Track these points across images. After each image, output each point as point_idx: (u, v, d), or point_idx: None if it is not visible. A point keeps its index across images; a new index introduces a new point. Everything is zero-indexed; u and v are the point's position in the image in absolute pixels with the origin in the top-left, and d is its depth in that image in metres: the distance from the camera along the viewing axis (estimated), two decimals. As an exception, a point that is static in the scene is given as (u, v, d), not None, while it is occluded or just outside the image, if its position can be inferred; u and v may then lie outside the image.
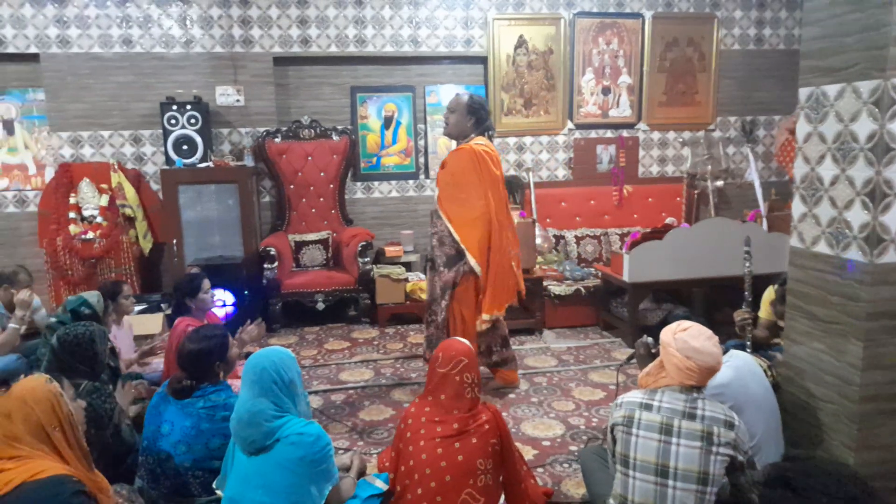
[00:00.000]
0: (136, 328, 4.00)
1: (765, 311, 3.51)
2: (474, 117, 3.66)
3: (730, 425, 1.95)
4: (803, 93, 2.47)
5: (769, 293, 3.51)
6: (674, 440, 1.96)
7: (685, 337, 2.01)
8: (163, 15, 5.36)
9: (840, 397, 2.35)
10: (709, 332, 2.04)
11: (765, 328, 3.50)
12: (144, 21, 5.34)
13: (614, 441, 2.09)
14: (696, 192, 6.18)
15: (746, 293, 3.39)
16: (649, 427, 1.99)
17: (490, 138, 3.76)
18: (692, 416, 1.96)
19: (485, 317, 3.67)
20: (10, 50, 5.23)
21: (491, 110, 5.88)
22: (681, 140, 6.31)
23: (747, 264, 3.38)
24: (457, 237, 3.63)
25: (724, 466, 1.94)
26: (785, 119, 6.16)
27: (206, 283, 3.49)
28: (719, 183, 6.16)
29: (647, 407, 2.02)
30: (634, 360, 2.70)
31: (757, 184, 5.80)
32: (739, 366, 2.36)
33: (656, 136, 6.28)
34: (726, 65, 6.23)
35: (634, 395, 2.09)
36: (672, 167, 6.35)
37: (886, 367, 2.28)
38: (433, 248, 3.80)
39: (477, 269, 3.63)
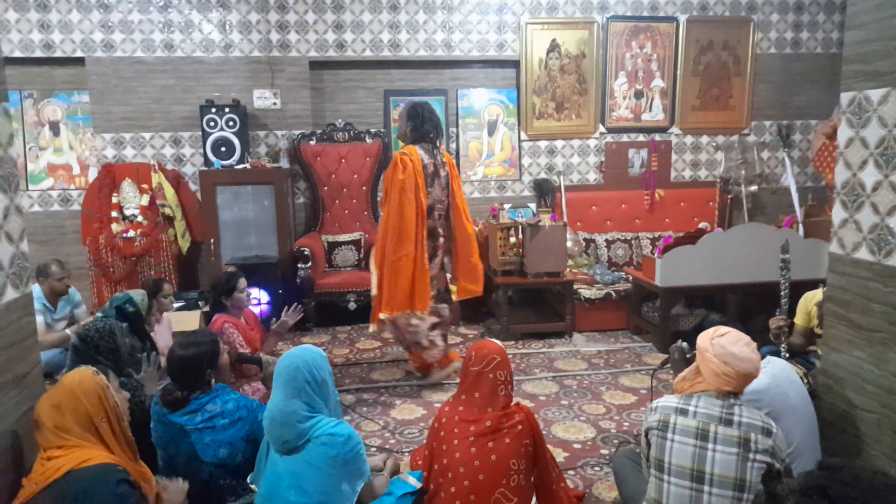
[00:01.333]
0: (175, 325, 4.10)
1: (801, 318, 3.46)
2: (411, 123, 3.93)
3: (767, 432, 1.94)
4: (845, 97, 2.44)
5: (805, 300, 3.46)
6: (710, 446, 1.95)
7: (723, 342, 2.00)
8: (203, 20, 5.49)
9: (882, 407, 2.31)
10: (747, 338, 2.03)
11: (800, 335, 3.45)
12: (185, 26, 5.48)
13: (648, 445, 2.09)
14: (729, 196, 6.11)
15: (783, 300, 3.35)
16: (685, 432, 1.99)
17: (433, 143, 3.96)
18: (729, 422, 1.95)
19: (381, 315, 3.85)
20: (58, 54, 5.41)
21: (523, 114, 5.95)
22: (714, 144, 6.25)
23: (784, 271, 3.34)
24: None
25: (760, 473, 1.93)
26: (822, 124, 6.05)
27: (242, 281, 3.57)
28: (753, 188, 6.08)
29: (683, 412, 2.02)
30: (668, 365, 2.70)
31: (793, 189, 5.71)
32: (777, 373, 2.34)
33: (689, 140, 6.22)
34: (762, 69, 6.15)
35: (670, 400, 2.08)
36: (705, 171, 6.29)
37: (930, 376, 2.24)
38: None
39: (372, 268, 3.98)
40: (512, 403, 2.39)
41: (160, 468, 2.40)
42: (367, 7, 5.64)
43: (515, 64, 5.95)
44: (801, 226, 5.27)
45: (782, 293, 3.36)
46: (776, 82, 6.20)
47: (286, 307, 3.71)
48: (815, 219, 5.38)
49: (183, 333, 4.13)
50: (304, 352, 2.25)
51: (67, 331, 3.93)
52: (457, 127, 5.99)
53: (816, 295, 3.31)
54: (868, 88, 2.32)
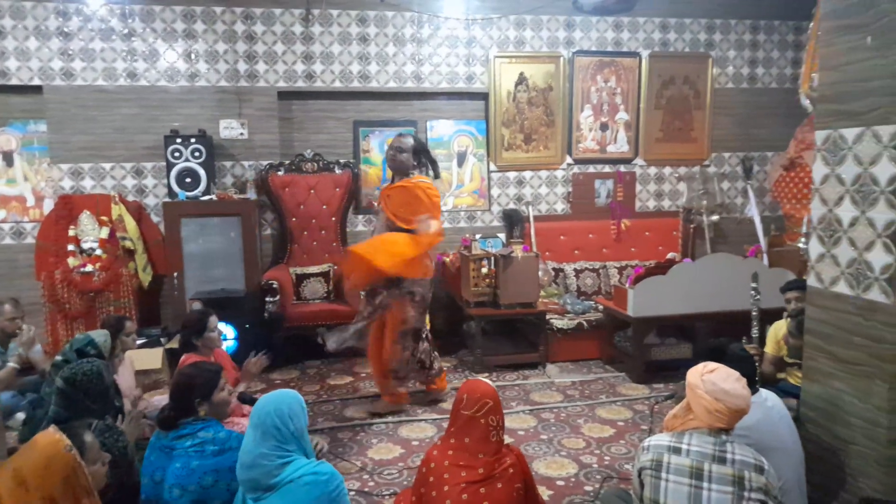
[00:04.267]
0: (137, 363, 3.90)
1: (771, 347, 3.52)
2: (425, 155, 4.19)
3: (760, 469, 1.94)
4: (820, 135, 2.51)
5: (775, 329, 3.52)
6: (705, 485, 1.93)
7: (714, 378, 2.00)
8: (168, 49, 5.38)
9: (866, 440, 2.34)
10: (737, 373, 2.04)
11: (770, 363, 3.51)
12: (150, 55, 5.36)
13: (642, 486, 2.06)
14: (692, 226, 6.25)
15: (753, 329, 3.41)
16: (679, 471, 1.97)
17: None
18: (722, 460, 1.94)
19: None
20: (14, 82, 5.21)
21: (492, 145, 5.99)
22: (677, 175, 6.39)
23: (754, 301, 3.40)
24: None
25: (755, 513, 1.91)
26: (778, 155, 6.27)
27: (213, 320, 3.44)
28: (715, 217, 6.24)
29: (676, 450, 2.00)
30: (673, 399, 2.69)
31: (757, 220, 5.87)
32: (769, 408, 2.34)
33: (653, 171, 6.36)
34: (721, 102, 6.35)
35: (661, 438, 2.06)
36: (668, 202, 6.42)
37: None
38: None
39: None
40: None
41: (142, 500, 2.35)
42: (336, 39, 5.63)
43: (484, 96, 6.00)
44: (765, 255, 5.40)
45: (753, 322, 3.42)
46: (735, 115, 6.40)
47: (253, 352, 3.58)
48: (779, 248, 5.54)
49: (145, 372, 3.98)
50: (280, 398, 2.18)
51: (10, 364, 3.71)
52: (426, 158, 5.98)
53: (785, 324, 3.38)
54: (843, 127, 2.39)
